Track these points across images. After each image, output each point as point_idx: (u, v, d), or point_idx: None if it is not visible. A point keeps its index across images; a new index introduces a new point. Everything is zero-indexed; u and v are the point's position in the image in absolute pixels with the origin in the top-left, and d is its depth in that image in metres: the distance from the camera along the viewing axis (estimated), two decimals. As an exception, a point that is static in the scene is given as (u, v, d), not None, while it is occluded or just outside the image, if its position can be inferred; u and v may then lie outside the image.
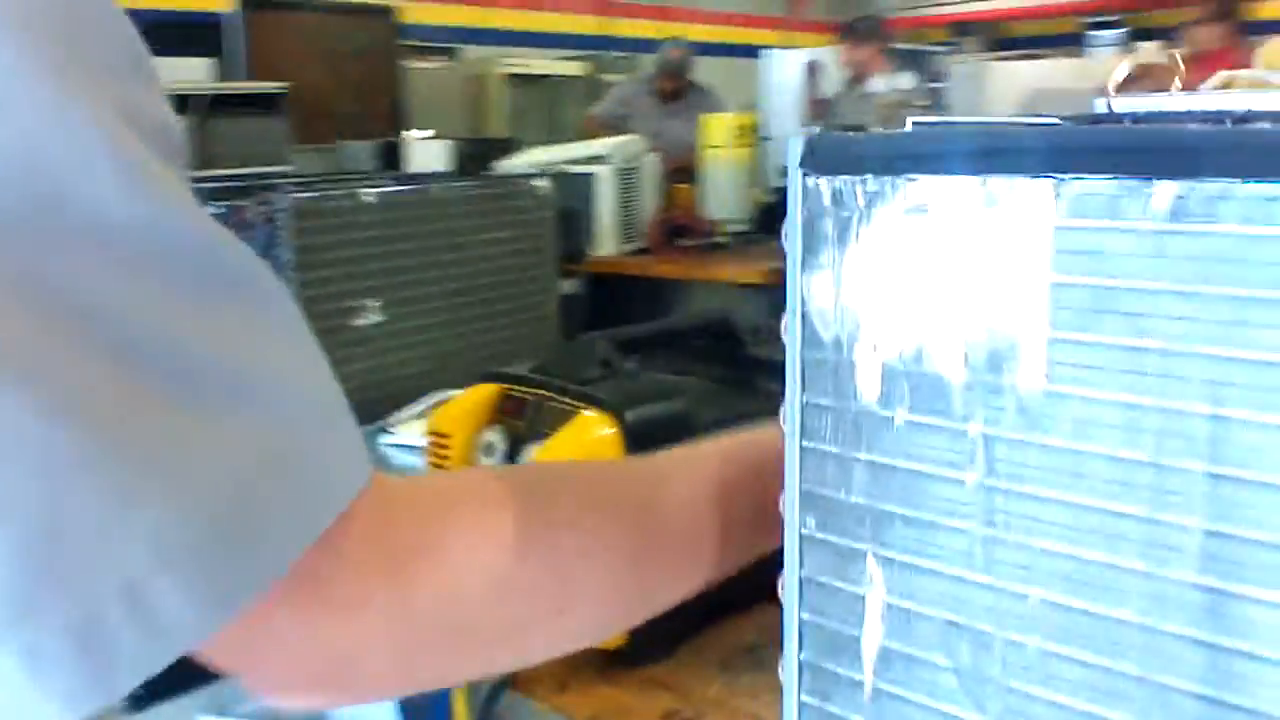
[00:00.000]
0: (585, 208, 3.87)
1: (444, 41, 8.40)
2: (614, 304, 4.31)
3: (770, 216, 4.73)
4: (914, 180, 0.50)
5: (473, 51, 8.52)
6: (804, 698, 0.59)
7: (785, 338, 0.56)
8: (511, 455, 1.04)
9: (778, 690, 1.02)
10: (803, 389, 0.55)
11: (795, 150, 0.53)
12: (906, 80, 3.87)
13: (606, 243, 4.06)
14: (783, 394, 1.16)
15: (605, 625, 0.60)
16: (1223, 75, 0.77)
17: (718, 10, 10.13)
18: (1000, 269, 0.48)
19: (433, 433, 1.08)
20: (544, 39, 9.41)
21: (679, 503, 0.62)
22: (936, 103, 3.42)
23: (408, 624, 0.48)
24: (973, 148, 0.48)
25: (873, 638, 0.55)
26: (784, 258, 0.57)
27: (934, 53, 7.04)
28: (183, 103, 4.59)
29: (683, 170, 4.74)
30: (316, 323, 1.51)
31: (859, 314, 0.52)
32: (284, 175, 3.94)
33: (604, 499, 0.59)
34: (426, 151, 4.69)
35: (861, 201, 0.51)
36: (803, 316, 0.55)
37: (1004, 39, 11.85)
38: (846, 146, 0.52)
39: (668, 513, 0.61)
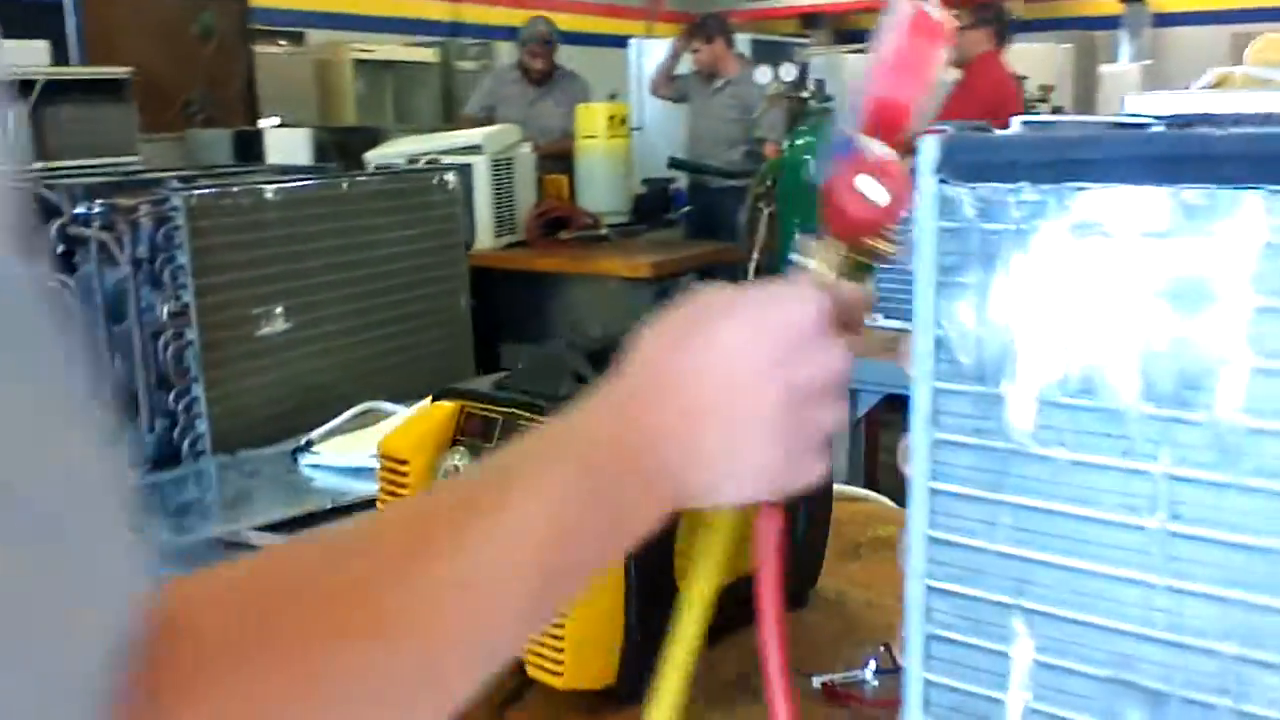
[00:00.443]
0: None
1: (291, 25, 8.06)
2: (495, 300, 4.20)
3: (646, 208, 4.68)
4: (1084, 190, 0.44)
5: (320, 36, 8.21)
6: (924, 765, 0.53)
7: (909, 367, 0.50)
8: (479, 480, 0.95)
9: (781, 723, 0.97)
10: (934, 425, 0.49)
11: (930, 153, 0.47)
12: (788, 72, 3.88)
13: (484, 236, 3.94)
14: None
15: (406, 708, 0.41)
16: (1217, 72, 0.74)
17: (571, -1, 10.04)
18: (1193, 290, 0.43)
19: (386, 457, 0.98)
20: (394, 24, 9.14)
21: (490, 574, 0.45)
22: (819, 94, 3.43)
23: None
24: (1161, 154, 0.43)
25: (1018, 699, 0.49)
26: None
27: (792, 44, 7.13)
28: (21, 88, 4.25)
29: (554, 157, 4.65)
30: (218, 333, 1.37)
31: (1011, 340, 0.46)
32: (135, 168, 3.69)
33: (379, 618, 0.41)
34: (286, 141, 4.46)
35: (1017, 214, 0.45)
36: (937, 343, 0.48)
37: (851, 30, 12.13)
38: (996, 149, 0.46)
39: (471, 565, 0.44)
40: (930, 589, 0.51)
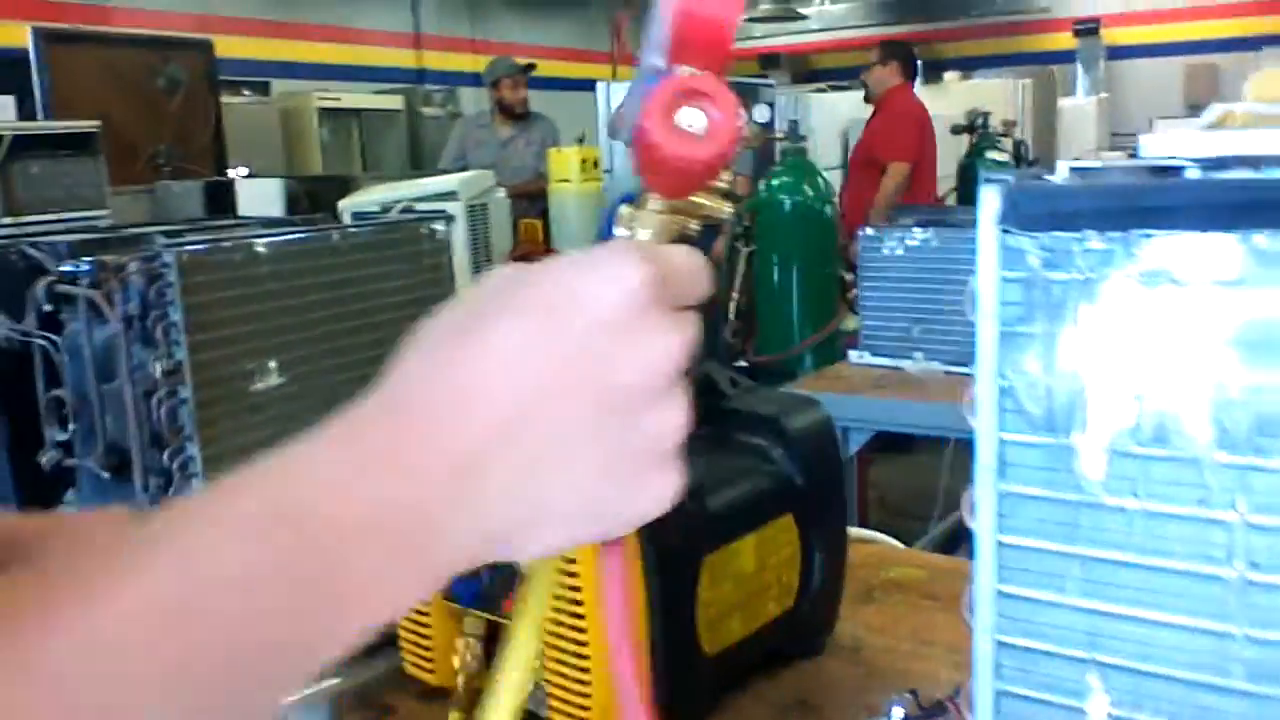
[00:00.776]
0: (437, 246, 3.73)
1: (256, 75, 8.06)
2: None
3: (621, 250, 4.68)
4: (1151, 237, 0.44)
5: (285, 86, 8.22)
6: (994, 824, 0.52)
7: (972, 418, 0.49)
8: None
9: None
10: (1001, 476, 0.48)
11: (990, 203, 0.47)
12: (762, 113, 3.91)
13: (462, 281, 3.92)
14: (766, 447, 1.10)
15: None
16: (1219, 109, 0.75)
17: (535, 44, 10.09)
18: (1266, 336, 0.42)
19: None
20: (358, 72, 9.17)
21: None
22: (793, 133, 3.46)
23: None
24: (1231, 200, 0.43)
25: (1091, 755, 0.49)
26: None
27: (756, 84, 7.20)
28: (-15, 144, 4.20)
29: (528, 197, 4.65)
30: (212, 390, 1.34)
31: (1081, 389, 0.46)
32: (107, 221, 3.67)
33: None
34: (258, 191, 4.44)
35: (1083, 263, 0.45)
36: (1001, 394, 0.48)
37: (810, 71, 12.28)
38: (1060, 199, 0.46)
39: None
40: (1000, 644, 0.50)
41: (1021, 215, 0.46)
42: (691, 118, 0.46)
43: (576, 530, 0.43)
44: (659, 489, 0.42)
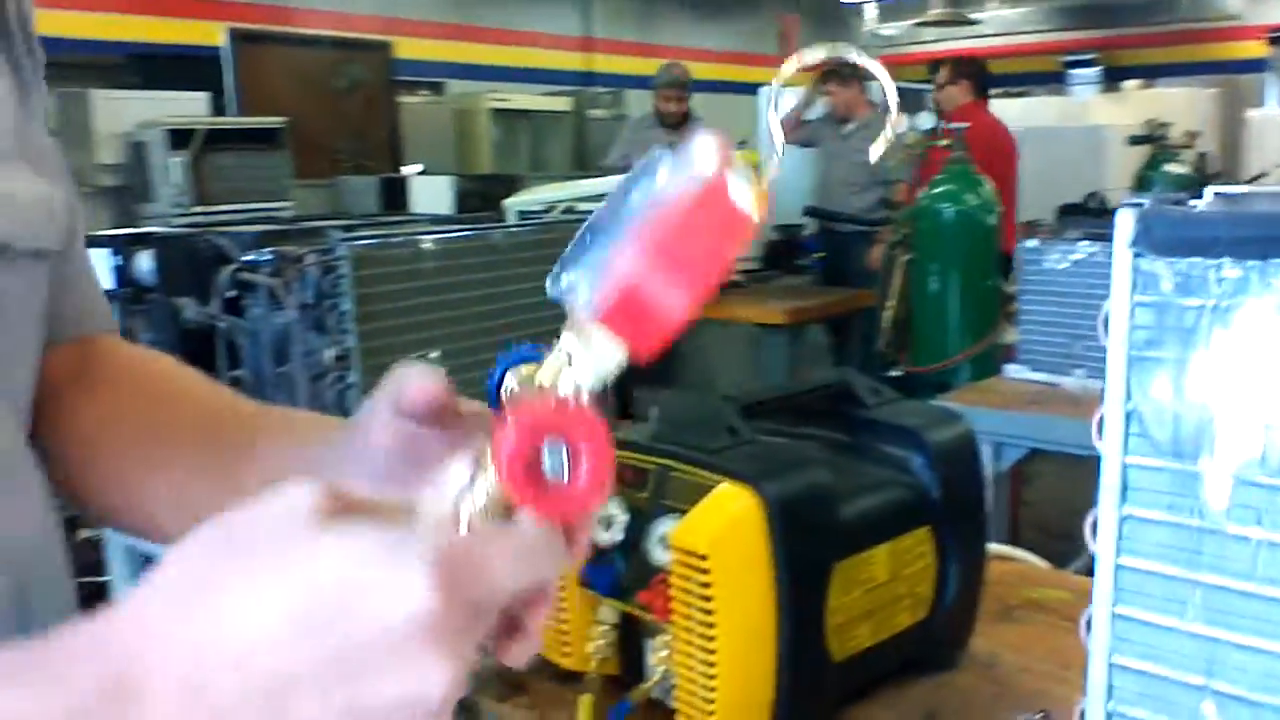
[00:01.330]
0: (597, 247, 3.78)
1: (432, 76, 8.36)
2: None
3: (778, 254, 4.69)
4: (1287, 266, 0.43)
5: (459, 86, 8.49)
6: (1105, 845, 0.52)
7: (1100, 443, 0.49)
8: (633, 528, 0.97)
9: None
10: (1123, 500, 0.48)
11: (1125, 226, 0.47)
12: (925, 119, 3.85)
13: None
14: (905, 458, 1.10)
15: None
16: None
17: (701, 47, 10.15)
18: (1406, 371, 0.42)
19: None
20: (529, 74, 9.38)
21: None
22: (956, 142, 3.39)
23: None
24: (1372, 232, 0.42)
25: (1206, 783, 0.48)
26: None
27: (923, 90, 7.06)
28: (183, 138, 4.50)
29: (686, 202, 4.66)
30: (378, 376, 1.43)
31: (1209, 416, 0.46)
32: (290, 213, 3.87)
33: None
34: (430, 188, 4.61)
35: (1218, 290, 0.45)
36: (1128, 417, 0.48)
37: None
38: (1197, 225, 0.46)
39: None
40: (1114, 666, 0.50)
41: (1155, 240, 0.46)
42: (554, 461, 0.39)
43: None
44: None
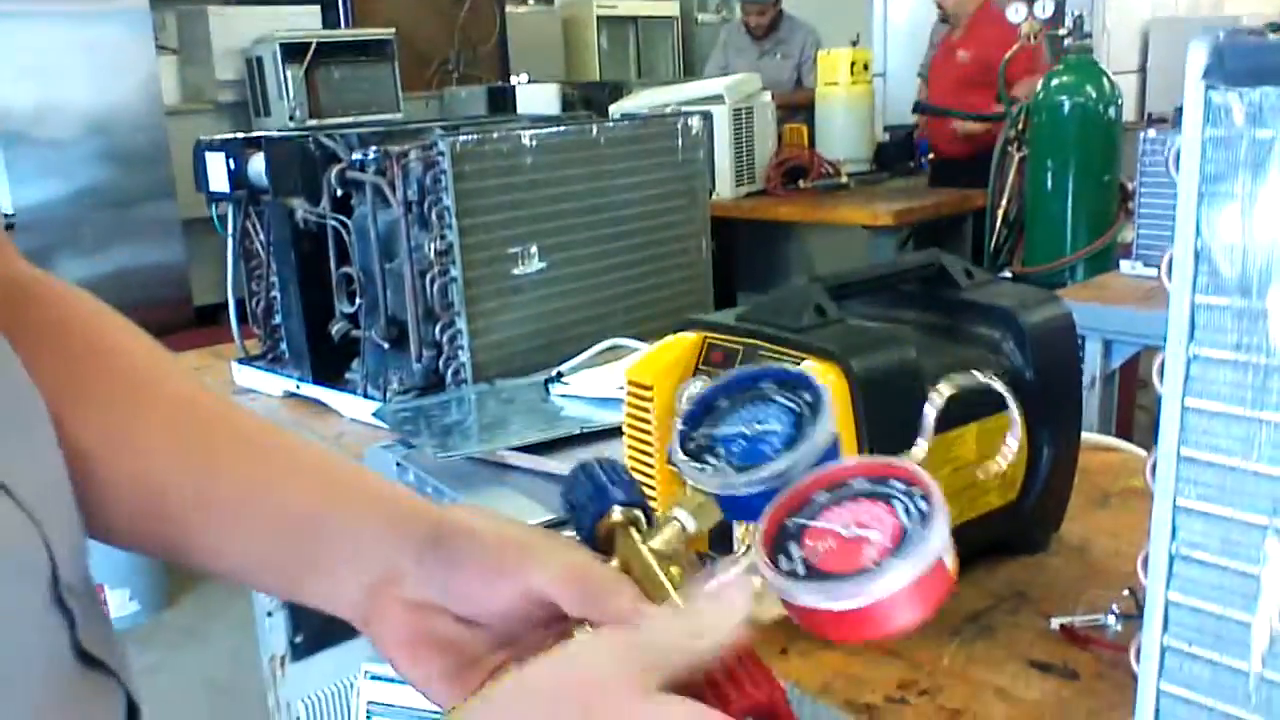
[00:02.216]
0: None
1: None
2: (734, 248, 4.23)
3: (888, 156, 4.58)
4: (1365, 92, 0.42)
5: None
6: (1165, 686, 0.52)
7: (1168, 281, 0.49)
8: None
9: (1020, 660, 0.97)
10: (1190, 339, 0.48)
11: (1198, 57, 0.46)
12: (1044, 6, 3.68)
13: (723, 186, 3.97)
14: (997, 339, 1.09)
15: None
16: None
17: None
18: None
19: (633, 384, 1.03)
20: (637, -20, 9.23)
21: None
22: (1078, 30, 3.24)
23: None
24: None
25: (1265, 623, 0.48)
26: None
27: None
28: (296, 51, 4.59)
29: (787, 108, 4.60)
30: (479, 270, 1.46)
31: (1277, 251, 0.45)
32: (400, 123, 3.92)
33: None
34: (537, 96, 4.63)
35: (1290, 119, 0.44)
36: (1197, 255, 0.47)
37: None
38: (1271, 54, 0.44)
39: None
40: (1178, 508, 0.50)
41: (1228, 70, 0.45)
42: None
43: None
44: None
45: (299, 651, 1.75)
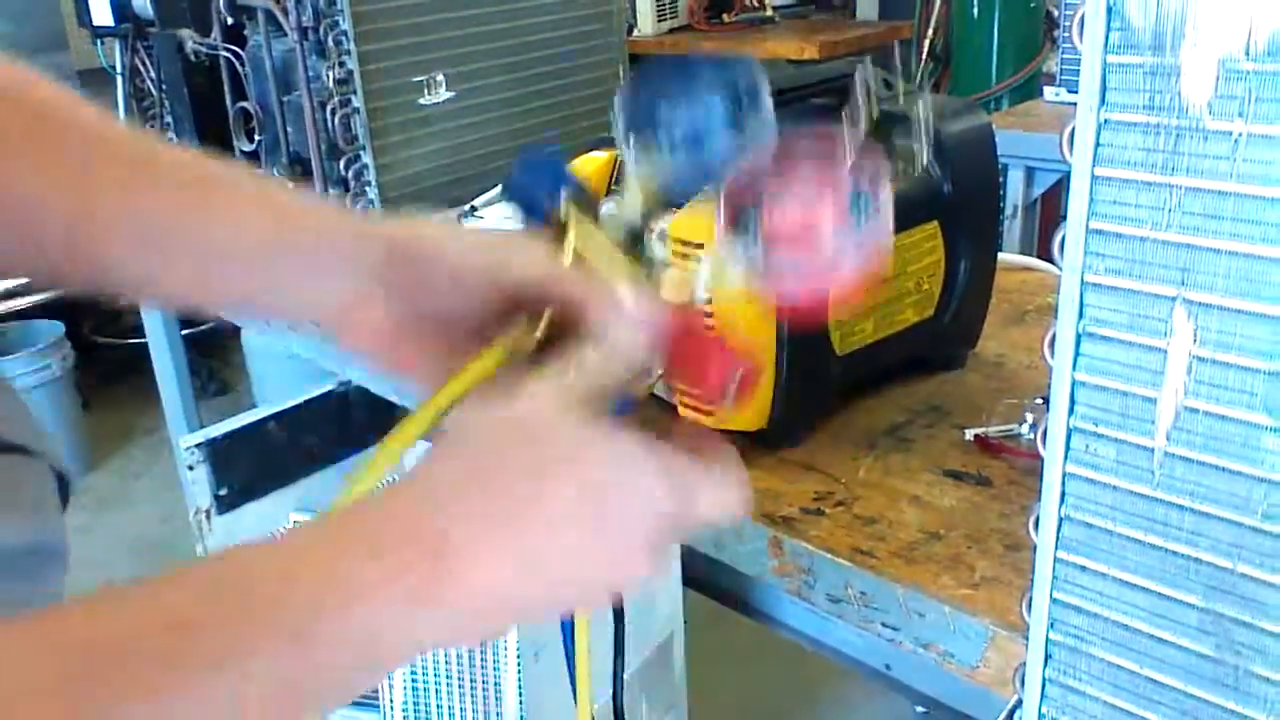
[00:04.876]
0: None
1: None
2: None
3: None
4: None
5: None
6: (1071, 468, 0.52)
7: (1079, 39, 0.46)
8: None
9: (935, 470, 0.97)
10: (1102, 102, 0.46)
11: None
12: None
13: (644, 22, 3.84)
14: (920, 154, 1.06)
15: None
16: None
17: None
18: None
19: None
20: None
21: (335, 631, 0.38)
22: None
23: None
24: None
25: (1171, 397, 0.48)
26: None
27: None
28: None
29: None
30: (383, 101, 1.39)
31: (1193, 0, 0.42)
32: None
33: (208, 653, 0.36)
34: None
35: None
36: (1109, 10, 0.44)
37: None
38: None
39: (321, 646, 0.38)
40: (1086, 284, 0.48)
41: None
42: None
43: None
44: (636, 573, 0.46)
45: (223, 505, 1.73)
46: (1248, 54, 0.41)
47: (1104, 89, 0.45)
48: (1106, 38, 0.45)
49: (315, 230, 0.55)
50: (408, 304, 0.54)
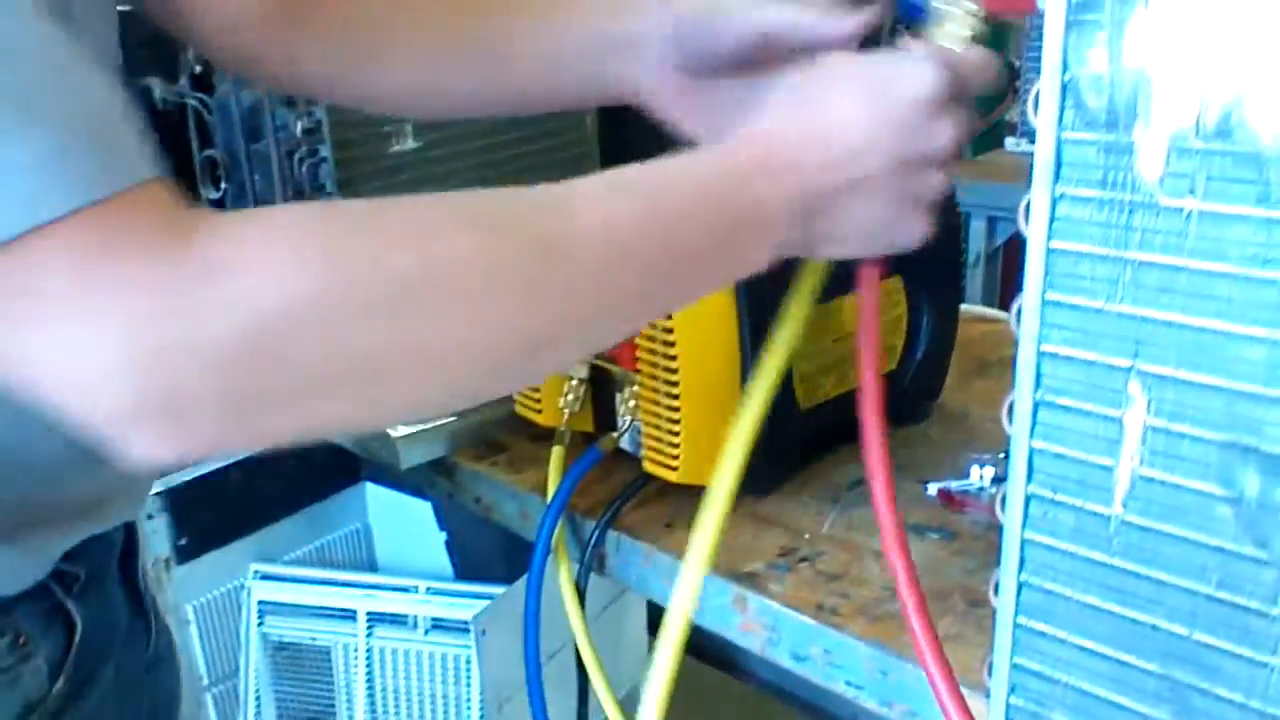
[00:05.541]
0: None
1: None
2: (624, 120, 4.14)
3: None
4: (1234, -94, 0.40)
5: None
6: (1029, 534, 0.52)
7: (1034, 116, 0.47)
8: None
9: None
10: (1056, 178, 0.46)
11: (1064, -126, 0.43)
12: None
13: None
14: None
15: (481, 375, 0.48)
16: None
17: None
18: (1355, 14, 0.39)
19: None
20: None
21: (592, 236, 0.50)
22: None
23: (201, 335, 0.39)
24: None
25: (1127, 466, 0.48)
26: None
27: None
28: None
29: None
30: (351, 150, 1.38)
31: (1146, 80, 0.43)
32: None
33: (480, 219, 0.51)
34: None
35: (1159, -62, 0.42)
36: (1064, 88, 0.45)
37: None
38: None
39: (575, 244, 0.50)
40: (1043, 354, 0.49)
41: (1095, -110, 0.43)
42: None
43: (862, 246, 0.62)
44: (918, 229, 0.63)
45: (184, 554, 1.71)
46: (1198, 133, 0.42)
47: (1059, 164, 0.46)
48: (1060, 115, 0.46)
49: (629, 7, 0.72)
50: (694, 54, 0.69)
